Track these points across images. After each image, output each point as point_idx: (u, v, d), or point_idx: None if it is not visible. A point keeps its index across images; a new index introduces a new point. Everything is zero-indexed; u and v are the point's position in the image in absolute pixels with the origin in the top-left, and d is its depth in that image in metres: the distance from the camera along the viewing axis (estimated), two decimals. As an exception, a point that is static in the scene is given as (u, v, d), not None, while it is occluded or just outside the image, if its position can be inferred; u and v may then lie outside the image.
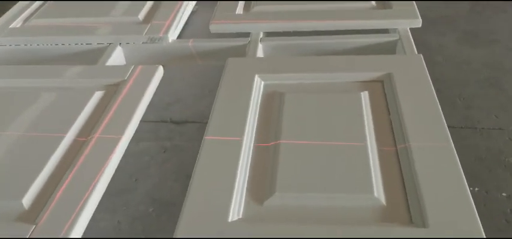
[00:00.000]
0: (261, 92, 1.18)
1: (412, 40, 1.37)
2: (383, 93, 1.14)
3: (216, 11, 1.54)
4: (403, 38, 1.37)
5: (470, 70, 3.08)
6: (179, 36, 1.54)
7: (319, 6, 1.53)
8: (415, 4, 1.49)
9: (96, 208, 0.89)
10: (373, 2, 1.54)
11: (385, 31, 1.50)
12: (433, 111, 1.04)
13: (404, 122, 1.01)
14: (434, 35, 3.47)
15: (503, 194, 2.28)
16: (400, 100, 1.07)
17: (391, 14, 1.45)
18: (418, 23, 1.41)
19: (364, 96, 1.13)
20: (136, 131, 1.10)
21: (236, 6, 1.56)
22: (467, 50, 3.27)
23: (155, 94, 1.22)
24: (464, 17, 3.66)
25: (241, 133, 1.02)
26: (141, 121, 1.12)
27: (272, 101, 1.14)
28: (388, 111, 1.08)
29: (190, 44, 1.43)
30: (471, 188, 2.41)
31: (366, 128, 1.02)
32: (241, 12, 1.56)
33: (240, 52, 1.39)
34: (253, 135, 1.04)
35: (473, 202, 0.83)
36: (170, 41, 1.44)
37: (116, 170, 0.98)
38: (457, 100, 2.88)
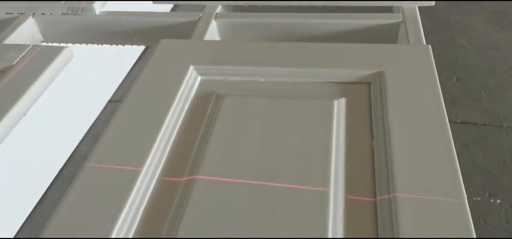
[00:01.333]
0: (193, 92, 0.82)
1: (420, 23, 0.98)
2: (367, 103, 0.77)
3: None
4: (408, 20, 0.98)
5: (498, 57, 2.67)
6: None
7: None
8: None
9: None
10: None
11: (388, 9, 1.11)
12: (439, 141, 0.67)
13: (392, 156, 0.64)
14: (459, 14, 3.03)
15: (531, 211, 1.91)
16: (390, 117, 0.71)
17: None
18: (430, 1, 1.02)
19: (339, 106, 0.76)
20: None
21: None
22: (496, 33, 2.85)
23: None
24: (494, -5, 3.20)
25: (141, 160, 0.67)
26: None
27: (205, 107, 0.79)
28: (372, 133, 0.72)
29: (123, 18, 1.07)
30: (492, 200, 2.03)
31: (332, 161, 0.66)
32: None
33: (187, 32, 1.03)
34: (162, 162, 0.69)
35: None
36: (97, 13, 1.09)
37: None
38: (481, 92, 2.48)
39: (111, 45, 1.11)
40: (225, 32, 1.06)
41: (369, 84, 0.81)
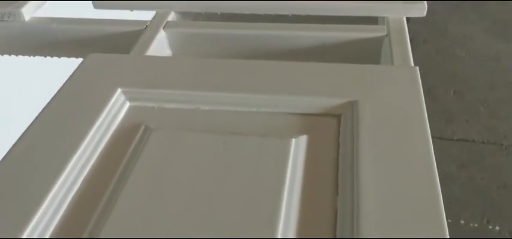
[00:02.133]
0: (116, 122, 0.65)
1: (408, 38, 0.81)
2: (335, 142, 0.60)
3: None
4: (394, 34, 0.81)
5: (498, 69, 2.51)
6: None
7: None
8: None
9: None
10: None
11: (372, 20, 0.94)
12: (426, 196, 0.50)
13: (360, 219, 0.47)
14: (458, 23, 2.88)
15: (533, 240, 1.75)
16: (362, 164, 0.53)
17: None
18: (421, 10, 0.85)
19: (297, 146, 0.59)
20: None
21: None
22: (496, 44, 2.69)
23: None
24: (497, 3, 3.04)
25: (22, 226, 0.50)
26: None
27: (128, 143, 0.61)
28: (337, 188, 0.54)
29: (55, 26, 0.90)
30: (490, 226, 1.86)
31: (280, 223, 0.49)
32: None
33: (131, 44, 0.86)
34: (53, 224, 0.52)
35: None
36: (27, 19, 0.92)
37: None
38: (480, 107, 2.32)
39: (45, 57, 0.94)
40: (176, 44, 0.89)
41: (338, 116, 0.64)
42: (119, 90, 0.67)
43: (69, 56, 0.92)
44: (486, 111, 2.30)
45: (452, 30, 2.84)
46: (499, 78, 2.48)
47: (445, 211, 0.48)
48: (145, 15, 0.93)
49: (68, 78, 0.71)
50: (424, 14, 0.85)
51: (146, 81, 0.69)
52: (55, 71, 0.90)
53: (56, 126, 0.62)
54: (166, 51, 0.90)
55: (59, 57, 0.94)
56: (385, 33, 0.82)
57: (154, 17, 0.91)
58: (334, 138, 0.61)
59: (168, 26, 0.89)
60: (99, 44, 0.89)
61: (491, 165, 2.10)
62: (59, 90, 0.68)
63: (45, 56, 0.94)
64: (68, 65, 0.92)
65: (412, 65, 0.73)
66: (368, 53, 0.83)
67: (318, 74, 0.69)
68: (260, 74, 0.69)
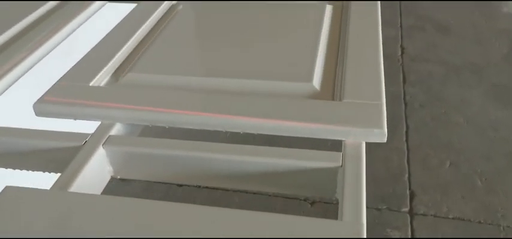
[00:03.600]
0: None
1: (363, 174, 0.72)
2: None
3: (63, 78, 0.95)
4: (349, 165, 0.73)
5: (497, 138, 2.42)
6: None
7: (228, 84, 0.91)
8: (383, 88, 0.85)
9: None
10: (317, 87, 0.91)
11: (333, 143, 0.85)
12: None
13: None
14: (456, 86, 2.80)
15: None
16: None
17: (332, 110, 0.81)
18: (381, 136, 0.77)
19: None
20: None
21: (100, 69, 0.96)
22: (495, 111, 2.60)
23: None
24: (497, 66, 2.97)
25: None
26: None
27: None
28: None
29: (-12, 138, 0.84)
30: None
31: None
32: (104, 82, 0.96)
33: (69, 158, 0.79)
34: None
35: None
36: None
37: None
38: (476, 180, 2.22)
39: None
40: (117, 163, 0.82)
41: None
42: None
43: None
44: (483, 186, 2.19)
45: (450, 94, 2.76)
46: (497, 148, 2.38)
47: None
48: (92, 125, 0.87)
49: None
50: (384, 140, 0.77)
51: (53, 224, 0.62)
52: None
53: None
54: (107, 169, 0.83)
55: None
56: (340, 164, 0.74)
57: (96, 129, 0.85)
58: None
59: (108, 142, 0.82)
60: (34, 159, 0.82)
61: (488, 248, 1.98)
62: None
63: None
64: None
65: (364, 220, 0.63)
66: (322, 183, 0.75)
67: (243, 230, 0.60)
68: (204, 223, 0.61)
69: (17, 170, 0.86)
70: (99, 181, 0.82)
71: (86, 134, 0.84)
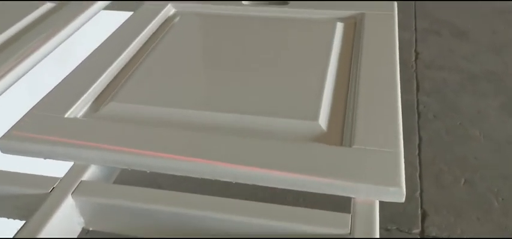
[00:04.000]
0: None
1: None
2: None
3: (34, 108, 0.83)
4: (359, 234, 0.61)
5: (514, 154, 2.27)
6: None
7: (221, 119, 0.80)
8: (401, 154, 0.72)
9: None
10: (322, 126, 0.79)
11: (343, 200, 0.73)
12: None
13: None
14: (472, 96, 2.65)
15: None
16: None
17: (340, 159, 0.70)
18: (399, 195, 0.65)
19: None
20: None
21: (78, 97, 0.85)
22: (514, 123, 2.45)
23: None
24: (513, 75, 2.82)
25: None
26: None
27: None
28: None
29: None
30: None
31: None
32: (81, 114, 0.84)
33: (34, 208, 0.68)
34: None
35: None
36: None
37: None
38: (493, 200, 2.09)
39: None
40: (88, 214, 0.71)
41: None
42: None
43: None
44: (500, 206, 2.06)
45: (466, 104, 2.62)
46: (516, 165, 2.24)
47: None
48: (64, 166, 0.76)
49: None
50: (402, 200, 0.65)
51: None
52: None
53: None
54: (77, 220, 0.72)
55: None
56: (348, 231, 0.62)
57: (67, 173, 0.73)
58: None
59: (79, 190, 0.70)
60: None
61: (504, 277, 1.86)
62: None
63: None
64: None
65: None
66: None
67: None
68: None
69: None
70: (69, 231, 0.72)
71: (55, 179, 0.73)
